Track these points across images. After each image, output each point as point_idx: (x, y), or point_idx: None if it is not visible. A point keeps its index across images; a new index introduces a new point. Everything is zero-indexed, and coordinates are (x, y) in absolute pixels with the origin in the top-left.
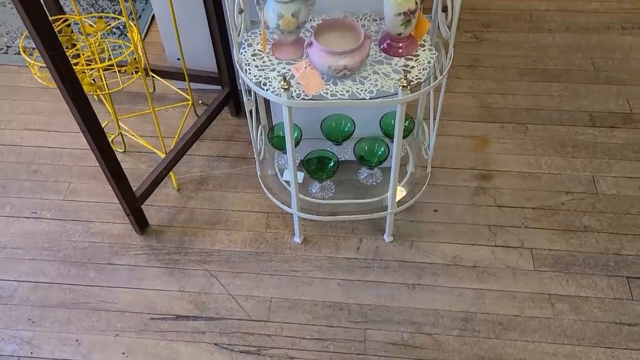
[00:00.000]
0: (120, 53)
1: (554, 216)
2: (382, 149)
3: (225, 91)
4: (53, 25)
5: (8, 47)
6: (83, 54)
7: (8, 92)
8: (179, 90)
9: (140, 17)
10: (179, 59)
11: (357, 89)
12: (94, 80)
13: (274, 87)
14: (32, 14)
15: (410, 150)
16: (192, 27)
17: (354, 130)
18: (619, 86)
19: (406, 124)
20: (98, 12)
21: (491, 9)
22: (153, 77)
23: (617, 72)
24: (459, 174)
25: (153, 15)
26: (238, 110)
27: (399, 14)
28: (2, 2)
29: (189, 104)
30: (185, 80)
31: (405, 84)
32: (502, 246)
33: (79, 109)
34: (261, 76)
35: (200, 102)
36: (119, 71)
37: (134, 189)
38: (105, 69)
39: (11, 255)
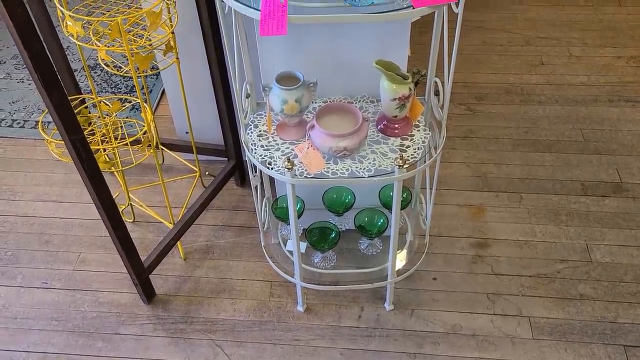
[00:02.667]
0: (131, 125)
1: (550, 284)
2: (382, 220)
3: (231, 163)
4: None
5: (25, 121)
6: (99, 131)
7: (24, 164)
8: (187, 163)
9: (151, 91)
10: (187, 133)
11: (357, 167)
12: (108, 156)
13: (279, 167)
14: (56, 102)
15: (408, 220)
16: (201, 102)
17: (354, 202)
18: (609, 156)
19: (404, 195)
20: (111, 88)
21: (483, 83)
22: (162, 149)
23: (606, 142)
24: (456, 243)
25: (163, 90)
26: (243, 180)
27: (394, 99)
28: (21, 79)
29: (196, 175)
30: (193, 153)
31: (401, 164)
32: (501, 314)
33: (95, 187)
34: (266, 156)
35: (207, 173)
36: (132, 149)
37: (142, 259)
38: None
39: (21, 326)
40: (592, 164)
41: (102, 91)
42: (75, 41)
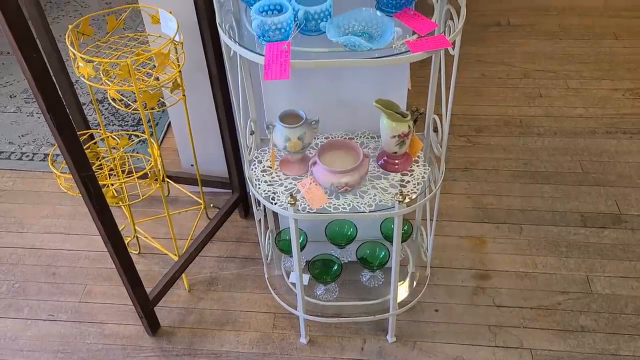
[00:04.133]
0: (138, 158)
1: (552, 316)
2: (383, 253)
3: (235, 195)
4: (81, 136)
5: (34, 154)
6: (107, 165)
7: (32, 196)
8: (191, 195)
9: (157, 124)
10: (192, 166)
11: (358, 202)
12: (115, 190)
13: (282, 202)
14: (67, 141)
15: (410, 251)
16: (206, 136)
17: (356, 234)
18: (607, 188)
19: (405, 228)
20: (119, 121)
21: (483, 115)
22: (168, 182)
23: (604, 174)
24: (458, 274)
25: (169, 123)
26: (247, 212)
27: (394, 137)
28: (31, 112)
29: (201, 207)
30: (198, 185)
31: (401, 199)
32: (503, 347)
33: (102, 222)
34: (270, 191)
35: (211, 205)
36: (139, 183)
37: (148, 291)
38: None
39: (27, 358)
40: (591, 196)
41: (109, 124)
42: (86, 81)
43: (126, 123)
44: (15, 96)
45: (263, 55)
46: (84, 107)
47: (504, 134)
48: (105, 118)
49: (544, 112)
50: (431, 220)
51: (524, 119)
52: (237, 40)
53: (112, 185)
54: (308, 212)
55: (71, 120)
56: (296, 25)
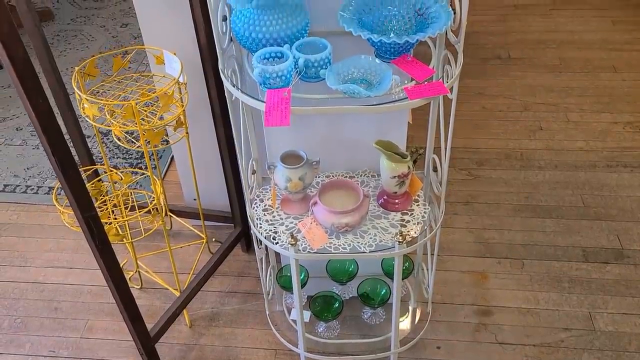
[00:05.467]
0: (142, 195)
1: (554, 354)
2: (384, 290)
3: (237, 230)
4: (85, 172)
5: (39, 187)
6: (110, 201)
7: (35, 230)
8: (194, 229)
9: (160, 157)
10: (195, 200)
11: (358, 242)
12: (119, 227)
13: (283, 241)
14: (71, 182)
15: (411, 287)
16: (209, 170)
17: (357, 271)
18: (609, 222)
19: (406, 265)
20: (122, 153)
21: (484, 148)
22: (171, 216)
23: (605, 208)
24: (459, 310)
25: (172, 157)
26: (249, 246)
27: (394, 177)
28: (37, 145)
29: (203, 242)
30: (200, 219)
31: (401, 240)
32: None
33: (105, 260)
34: (271, 230)
35: (213, 239)
36: (142, 220)
37: (149, 327)
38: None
39: None
40: (592, 230)
41: (113, 157)
42: (92, 122)
43: (130, 156)
44: (21, 129)
45: (264, 102)
46: (88, 139)
47: (505, 167)
48: (109, 151)
49: (544, 145)
50: (432, 254)
51: (525, 152)
52: (239, 85)
53: (115, 222)
54: (309, 252)
55: (75, 163)
56: (297, 72)
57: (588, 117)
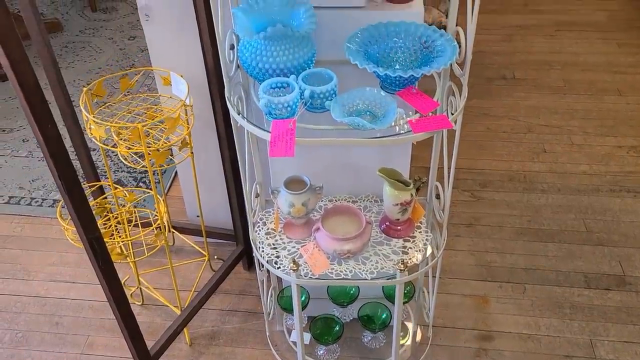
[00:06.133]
0: (145, 213)
1: None
2: (385, 314)
3: (239, 248)
4: (89, 188)
5: (43, 199)
6: (114, 219)
7: (39, 243)
8: (196, 246)
9: (165, 172)
10: (198, 217)
11: (360, 269)
12: (122, 246)
13: (285, 266)
14: (76, 204)
15: (412, 311)
16: (212, 188)
17: (358, 294)
18: (611, 248)
19: (407, 289)
20: (127, 167)
21: (487, 169)
22: (173, 232)
23: (608, 233)
24: (460, 334)
25: (176, 171)
26: (250, 264)
27: (396, 204)
28: (43, 157)
29: (205, 259)
30: (203, 237)
31: (402, 268)
32: None
33: (107, 280)
34: (273, 254)
35: (215, 257)
36: (145, 239)
37: (149, 344)
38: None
39: None
40: (595, 255)
41: (118, 170)
42: (98, 143)
43: (135, 170)
44: (27, 140)
45: (269, 132)
46: (93, 152)
47: (508, 189)
48: (114, 164)
49: (548, 168)
50: (434, 277)
51: (528, 174)
52: (245, 111)
53: (118, 239)
54: (310, 278)
55: (82, 187)
56: (302, 103)
57: (592, 140)
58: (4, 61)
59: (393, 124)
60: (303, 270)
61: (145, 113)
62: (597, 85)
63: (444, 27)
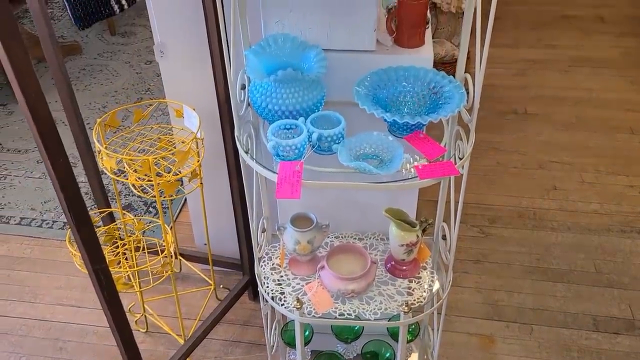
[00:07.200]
0: (153, 231)
1: None
2: (389, 353)
3: (246, 278)
4: (100, 214)
5: (54, 222)
6: (122, 247)
7: (47, 265)
8: (202, 275)
9: (172, 202)
10: (206, 244)
11: (364, 309)
12: (130, 274)
13: (289, 303)
14: (84, 237)
15: (416, 349)
16: (220, 217)
17: (362, 331)
18: (621, 290)
19: (412, 327)
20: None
21: (497, 205)
22: (180, 260)
23: (618, 275)
24: None
25: (185, 199)
26: (256, 294)
27: (402, 245)
28: None
29: (211, 288)
30: (209, 265)
31: (406, 310)
32: None
33: (111, 310)
34: (277, 291)
35: (221, 286)
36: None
37: None
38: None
39: None
40: (604, 298)
41: (129, 194)
42: (109, 174)
43: (146, 192)
44: (41, 162)
45: (276, 173)
46: (104, 175)
47: (517, 226)
48: (125, 188)
49: (558, 205)
50: (439, 314)
51: (538, 211)
52: (254, 149)
53: (126, 267)
54: (313, 316)
55: (89, 217)
56: (310, 145)
57: (603, 178)
58: (20, 96)
59: (400, 168)
60: (306, 308)
61: (159, 139)
62: (610, 123)
63: (457, 60)
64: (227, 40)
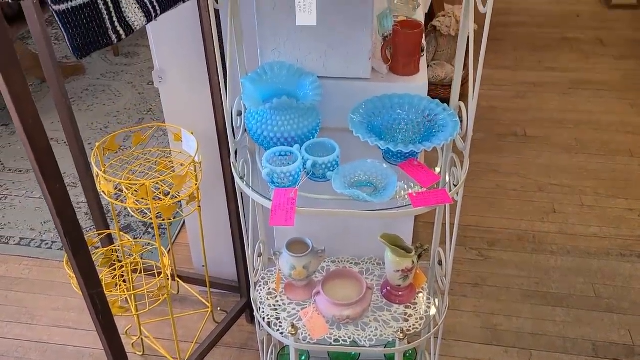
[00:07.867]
0: (151, 252)
1: None
2: None
3: (243, 301)
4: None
5: (53, 242)
6: (119, 269)
7: (45, 286)
8: (200, 297)
9: (171, 224)
10: (203, 266)
11: (359, 335)
12: (127, 297)
13: (284, 328)
14: (80, 263)
15: None
16: (219, 239)
17: (359, 357)
18: (620, 315)
19: (409, 353)
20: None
21: (496, 228)
22: (178, 282)
23: (617, 300)
24: None
25: (184, 221)
26: (254, 316)
27: (398, 271)
28: None
29: (208, 311)
30: (207, 287)
31: (401, 337)
32: None
33: (106, 334)
34: (273, 316)
35: (219, 308)
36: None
37: None
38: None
39: None
40: (603, 323)
41: (128, 215)
42: (107, 198)
43: (144, 214)
44: None
45: (270, 200)
46: (103, 197)
47: (516, 249)
48: (125, 208)
49: (557, 229)
50: (436, 338)
51: (537, 234)
52: (250, 177)
53: (122, 291)
54: (308, 342)
55: (86, 242)
56: (305, 172)
57: (603, 202)
58: (17, 123)
59: (393, 196)
60: (302, 334)
61: (158, 162)
62: (610, 146)
63: None
64: (224, 67)
